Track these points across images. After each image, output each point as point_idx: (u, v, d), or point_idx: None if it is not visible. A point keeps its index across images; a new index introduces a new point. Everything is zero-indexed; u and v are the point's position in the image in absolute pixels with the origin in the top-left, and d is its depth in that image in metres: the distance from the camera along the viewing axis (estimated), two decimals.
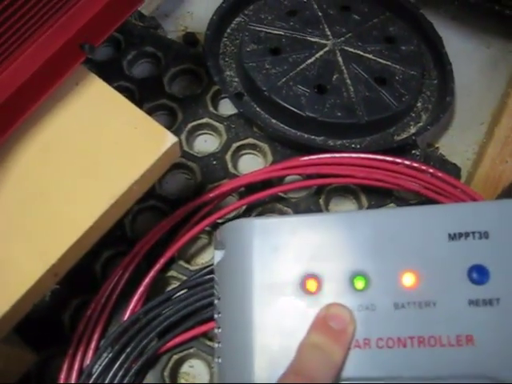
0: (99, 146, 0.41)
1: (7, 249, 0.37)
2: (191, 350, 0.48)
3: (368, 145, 0.59)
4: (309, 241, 0.36)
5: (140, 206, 0.54)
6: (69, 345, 0.45)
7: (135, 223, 0.54)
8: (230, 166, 0.57)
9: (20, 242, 0.37)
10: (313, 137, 0.59)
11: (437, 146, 0.62)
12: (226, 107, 0.62)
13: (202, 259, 0.54)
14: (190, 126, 0.60)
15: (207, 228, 0.52)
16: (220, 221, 0.52)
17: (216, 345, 0.38)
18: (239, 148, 0.59)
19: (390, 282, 0.34)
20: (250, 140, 0.59)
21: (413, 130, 0.61)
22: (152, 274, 0.48)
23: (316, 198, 0.56)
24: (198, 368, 0.49)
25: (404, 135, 0.60)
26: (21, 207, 0.38)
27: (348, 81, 0.60)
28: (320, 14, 0.65)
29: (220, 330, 0.37)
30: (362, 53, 0.62)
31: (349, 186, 0.57)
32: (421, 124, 0.61)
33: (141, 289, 0.48)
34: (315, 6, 0.66)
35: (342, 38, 0.63)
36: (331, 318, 0.34)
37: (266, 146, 0.59)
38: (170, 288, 0.51)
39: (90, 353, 0.46)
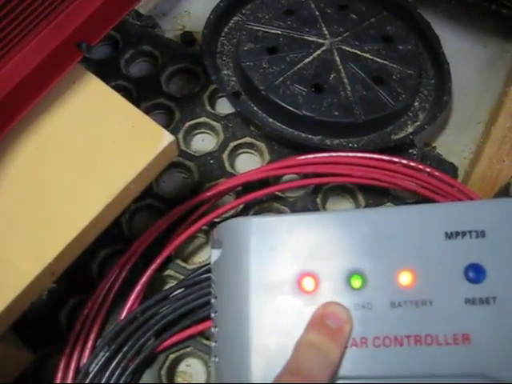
0: (96, 145, 0.41)
1: (4, 247, 0.37)
2: (188, 349, 0.48)
3: (365, 144, 0.59)
4: (306, 240, 0.36)
5: (137, 204, 0.54)
6: (66, 344, 0.45)
7: (132, 222, 0.54)
8: (227, 164, 0.57)
9: (17, 241, 0.37)
10: (310, 136, 0.59)
11: (434, 145, 0.62)
12: (224, 106, 0.62)
13: (199, 258, 0.54)
14: (187, 125, 0.60)
15: (204, 227, 0.52)
16: (217, 220, 0.52)
17: (213, 344, 0.38)
18: (236, 147, 0.59)
19: (386, 280, 0.34)
20: (247, 139, 0.59)
21: (410, 129, 0.61)
22: (149, 272, 0.48)
23: (313, 197, 0.56)
24: (194, 367, 0.49)
25: (401, 134, 0.60)
26: (17, 206, 0.38)
27: (345, 80, 0.60)
28: (317, 13, 0.65)
29: (217, 329, 0.37)
30: (359, 52, 0.62)
31: (346, 185, 0.57)
32: (418, 123, 0.61)
33: (138, 288, 0.48)
34: (312, 5, 0.66)
35: (340, 38, 0.63)
36: (328, 316, 0.34)
37: (263, 145, 0.59)
38: (167, 287, 0.51)
39: (87, 352, 0.46)
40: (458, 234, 0.34)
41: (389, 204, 0.56)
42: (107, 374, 0.44)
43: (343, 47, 0.62)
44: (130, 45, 0.65)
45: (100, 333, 0.47)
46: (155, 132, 0.41)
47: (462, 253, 0.34)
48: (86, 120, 0.42)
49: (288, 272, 0.35)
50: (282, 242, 0.36)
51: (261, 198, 0.54)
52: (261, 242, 0.36)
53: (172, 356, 0.47)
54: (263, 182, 0.54)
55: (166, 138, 0.41)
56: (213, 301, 0.38)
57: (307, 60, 0.61)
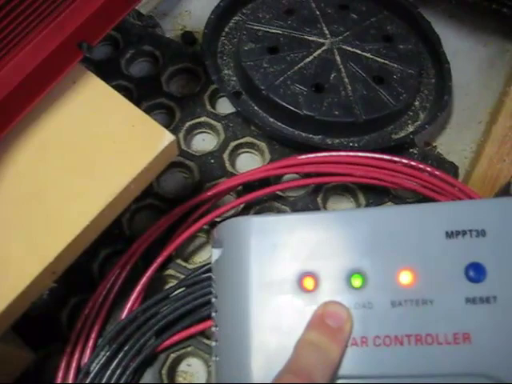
0: (97, 145, 0.41)
1: (5, 247, 0.37)
2: (189, 349, 0.48)
3: (366, 143, 0.59)
4: (306, 239, 0.36)
5: (138, 204, 0.54)
6: (67, 343, 0.45)
7: (133, 222, 0.54)
8: (227, 164, 0.57)
9: (18, 241, 0.37)
10: (310, 135, 0.59)
11: (434, 144, 0.62)
12: (224, 106, 0.62)
13: (200, 258, 0.54)
14: (187, 124, 0.60)
15: (205, 226, 0.52)
16: (218, 219, 0.52)
17: (213, 343, 0.38)
18: (237, 147, 0.59)
19: (387, 280, 0.34)
20: (248, 139, 0.59)
21: (410, 128, 0.61)
22: (150, 272, 0.48)
23: (314, 197, 0.56)
24: (195, 366, 0.49)
25: (402, 134, 0.60)
26: (18, 205, 0.38)
27: (346, 79, 0.60)
28: (318, 12, 0.65)
29: (217, 329, 0.37)
30: (359, 51, 0.62)
31: (347, 184, 0.57)
32: (418, 123, 0.61)
33: (138, 287, 0.48)
34: (313, 5, 0.66)
35: (340, 37, 0.63)
36: (328, 315, 0.34)
37: (263, 145, 0.59)
38: (167, 286, 0.51)
39: (88, 351, 0.46)
40: (458, 233, 0.34)
41: (389, 203, 0.56)
42: (108, 374, 0.44)
43: (344, 47, 0.62)
44: (131, 45, 0.65)
45: (101, 332, 0.47)
46: (156, 131, 0.41)
47: (463, 252, 0.34)
48: (87, 120, 0.42)
49: (288, 271, 0.35)
50: (283, 241, 0.36)
51: (261, 197, 0.54)
52: (261, 242, 0.36)
53: (173, 355, 0.47)
54: (264, 182, 0.54)
55: (167, 137, 0.41)
56: (213, 300, 0.38)
57: (308, 60, 0.61)
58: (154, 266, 0.49)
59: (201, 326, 0.47)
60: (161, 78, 0.63)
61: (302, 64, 0.61)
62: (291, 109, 0.57)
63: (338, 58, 0.61)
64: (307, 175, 0.55)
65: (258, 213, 0.55)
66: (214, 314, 0.38)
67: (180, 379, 0.48)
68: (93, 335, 0.46)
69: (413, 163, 0.52)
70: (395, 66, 0.62)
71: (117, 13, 0.44)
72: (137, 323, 0.46)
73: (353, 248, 0.35)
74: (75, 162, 0.40)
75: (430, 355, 0.33)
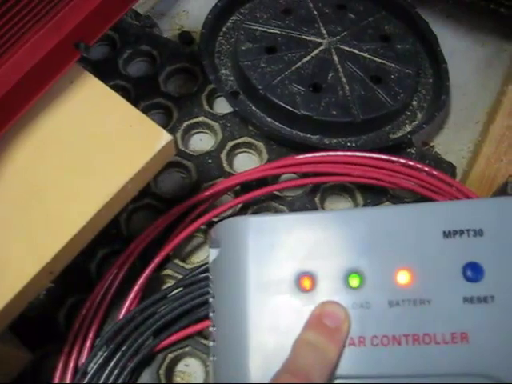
0: (94, 144, 0.40)
1: (2, 247, 0.37)
2: (186, 349, 0.48)
3: (363, 143, 0.59)
4: (304, 239, 0.36)
5: (135, 204, 0.54)
6: (64, 343, 0.45)
7: (130, 222, 0.54)
8: (225, 164, 0.57)
9: (15, 240, 0.37)
10: (308, 135, 0.59)
11: (432, 144, 0.62)
12: (222, 106, 0.62)
13: (198, 258, 0.54)
14: (185, 124, 0.60)
15: (202, 226, 0.52)
16: (215, 219, 0.52)
17: (211, 343, 0.38)
18: (234, 146, 0.59)
19: (384, 279, 0.34)
20: (246, 138, 0.59)
21: (408, 128, 0.61)
22: (147, 272, 0.48)
23: (311, 197, 0.56)
24: (193, 366, 0.49)
25: (399, 134, 0.60)
26: (15, 205, 0.38)
27: (343, 79, 0.60)
28: (315, 12, 0.65)
29: (215, 329, 0.37)
30: (357, 51, 0.62)
31: (344, 184, 0.57)
32: (416, 122, 0.62)
33: (136, 287, 0.48)
34: (310, 5, 0.66)
35: (338, 37, 0.63)
36: (326, 315, 0.34)
37: (261, 145, 0.59)
38: (165, 286, 0.51)
39: (86, 351, 0.46)
40: (456, 232, 0.34)
41: (387, 203, 0.56)
42: (106, 374, 0.44)
43: (341, 46, 0.62)
44: (128, 44, 0.65)
45: (98, 332, 0.47)
46: (153, 131, 0.41)
47: (460, 252, 0.34)
48: (84, 119, 0.41)
49: (286, 271, 0.35)
50: (280, 241, 0.36)
51: (259, 197, 0.54)
52: (259, 242, 0.36)
53: (170, 355, 0.47)
54: (261, 182, 0.54)
55: (164, 137, 0.41)
56: (211, 300, 0.38)
57: (305, 59, 0.61)
58: (152, 265, 0.49)
59: (198, 326, 0.47)
60: (158, 77, 0.63)
61: (299, 64, 0.60)
62: (289, 109, 0.57)
63: (335, 58, 0.61)
64: (305, 175, 0.55)
65: (255, 213, 0.55)
66: (211, 314, 0.38)
67: (178, 379, 0.48)
68: (90, 335, 0.46)
69: (410, 163, 0.52)
70: (393, 65, 0.62)
71: (114, 12, 0.44)
72: (134, 323, 0.46)
73: (350, 248, 0.35)
74: (72, 162, 0.40)
75: (427, 355, 0.33)
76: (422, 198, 0.52)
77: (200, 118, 0.60)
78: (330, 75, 0.60)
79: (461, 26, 0.71)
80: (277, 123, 0.60)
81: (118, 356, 0.45)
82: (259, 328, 0.35)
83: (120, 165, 0.40)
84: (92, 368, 0.44)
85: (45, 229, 0.37)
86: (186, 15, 0.71)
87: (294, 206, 0.55)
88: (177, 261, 0.51)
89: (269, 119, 0.60)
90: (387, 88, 0.60)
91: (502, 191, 0.55)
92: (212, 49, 0.65)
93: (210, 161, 0.57)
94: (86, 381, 0.44)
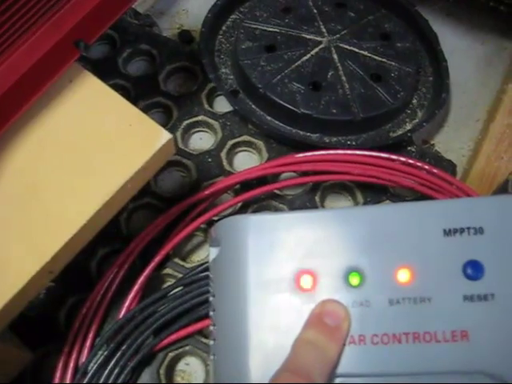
0: (93, 143, 0.40)
1: (2, 246, 0.37)
2: (187, 348, 0.48)
3: (363, 141, 0.59)
4: (304, 237, 0.36)
5: (135, 203, 0.54)
6: (64, 343, 0.45)
7: (130, 221, 0.54)
8: (225, 163, 0.57)
9: (14, 240, 0.37)
10: (308, 134, 0.59)
11: (432, 142, 0.62)
12: (222, 104, 0.62)
13: (198, 257, 0.54)
14: (185, 123, 0.60)
15: (202, 225, 0.52)
16: (215, 218, 0.52)
17: (211, 342, 0.38)
18: (234, 145, 0.59)
19: (385, 278, 0.34)
20: (246, 137, 0.59)
21: (408, 126, 0.61)
22: (147, 271, 0.48)
23: (311, 195, 0.56)
24: (193, 365, 0.49)
25: (399, 132, 0.60)
26: (15, 204, 0.38)
27: (343, 78, 0.60)
28: (315, 11, 0.65)
29: (215, 327, 0.37)
30: (357, 50, 0.62)
31: (344, 182, 0.57)
32: (416, 121, 0.61)
33: (136, 286, 0.48)
34: (310, 3, 0.66)
35: (338, 35, 0.63)
36: (326, 314, 0.34)
37: (261, 143, 0.59)
38: (165, 285, 0.51)
39: (86, 351, 0.46)
40: (456, 231, 0.34)
41: (387, 201, 0.56)
42: (106, 373, 0.44)
43: (341, 45, 0.62)
44: (128, 43, 0.65)
45: (98, 332, 0.47)
46: (153, 130, 0.41)
47: (461, 250, 0.34)
48: (84, 119, 0.41)
49: (286, 270, 0.35)
50: (281, 239, 0.36)
51: (259, 196, 0.54)
52: (259, 240, 0.36)
53: (171, 354, 0.47)
54: (261, 180, 0.54)
55: (164, 136, 0.41)
56: (211, 299, 0.38)
57: (305, 58, 0.61)
58: (152, 264, 0.49)
59: (199, 325, 0.47)
60: (158, 76, 0.62)
61: (299, 62, 0.60)
62: (289, 107, 0.57)
63: (335, 57, 0.61)
64: (305, 173, 0.55)
65: (255, 211, 0.55)
66: (211, 313, 0.38)
67: (178, 378, 0.48)
68: (90, 334, 0.46)
69: (410, 161, 0.52)
70: (393, 64, 0.62)
71: (114, 11, 0.44)
72: (135, 322, 0.46)
73: (351, 246, 0.35)
74: (72, 161, 0.40)
75: (428, 353, 0.33)
76: (423, 197, 0.52)
77: (200, 117, 0.60)
78: (330, 74, 0.60)
79: (461, 24, 0.71)
80: (277, 122, 0.60)
81: (118, 355, 0.45)
82: (259, 327, 0.34)
83: (120, 164, 0.40)
84: (92, 367, 0.44)
85: (44, 228, 0.37)
86: (185, 14, 0.70)
87: (294, 205, 0.55)
88: (177, 260, 0.51)
89: (269, 118, 0.60)
90: (387, 86, 0.60)
91: (502, 189, 0.55)
92: (212, 47, 0.65)
93: (209, 160, 0.57)
94: (86, 380, 0.44)
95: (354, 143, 0.59)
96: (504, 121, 0.61)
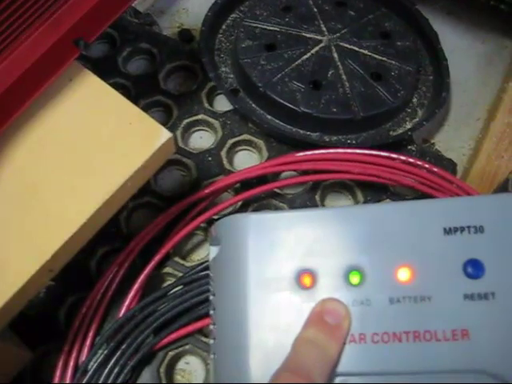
0: (93, 142, 0.40)
1: (1, 245, 0.37)
2: (187, 347, 0.48)
3: (364, 140, 0.59)
4: (304, 236, 0.36)
5: (135, 202, 0.54)
6: (64, 342, 0.45)
7: (130, 220, 0.54)
8: (225, 162, 0.57)
9: (14, 239, 0.37)
10: (308, 132, 0.59)
11: (432, 141, 0.62)
12: (222, 103, 0.62)
13: (198, 255, 0.54)
14: (185, 122, 0.60)
15: (203, 224, 0.52)
16: (215, 217, 0.52)
17: (211, 341, 0.38)
18: (235, 144, 0.59)
19: (385, 276, 0.34)
20: (246, 136, 0.59)
21: (408, 125, 0.61)
22: (147, 270, 0.48)
23: (312, 194, 0.56)
24: (193, 364, 0.49)
25: (400, 131, 0.60)
26: (15, 203, 0.38)
27: (343, 76, 0.60)
28: (315, 9, 0.65)
29: (215, 326, 0.37)
30: (357, 48, 0.62)
31: (344, 181, 0.57)
32: (416, 120, 0.61)
33: (136, 285, 0.48)
34: (310, 2, 0.66)
35: (338, 34, 0.63)
36: (327, 312, 0.34)
37: (261, 142, 0.58)
38: (165, 284, 0.51)
39: (86, 350, 0.46)
40: (456, 229, 0.34)
41: (387, 200, 0.56)
42: (106, 372, 0.44)
43: (341, 44, 0.62)
44: (128, 42, 0.65)
45: (98, 331, 0.47)
46: (153, 129, 0.41)
47: (461, 248, 0.34)
48: (84, 117, 0.41)
49: (286, 268, 0.35)
50: (281, 238, 0.36)
51: (259, 194, 0.54)
52: (259, 239, 0.36)
53: (171, 353, 0.47)
54: (261, 179, 0.54)
55: (164, 134, 0.41)
56: (211, 298, 0.38)
57: (305, 57, 0.61)
58: (152, 263, 0.49)
59: (199, 324, 0.47)
60: (158, 75, 0.62)
61: (299, 61, 0.60)
62: (289, 106, 0.57)
63: (335, 55, 0.61)
64: (305, 172, 0.55)
65: (255, 210, 0.55)
66: (211, 312, 0.38)
67: (178, 377, 0.48)
68: (90, 333, 0.46)
69: (411, 160, 0.52)
70: (393, 62, 0.62)
71: (114, 10, 0.44)
72: (135, 321, 0.46)
73: (351, 245, 0.35)
74: (72, 160, 0.40)
75: (428, 352, 0.33)
76: (423, 195, 0.52)
77: (200, 116, 0.60)
78: (330, 72, 0.60)
79: (461, 22, 0.71)
80: (277, 121, 0.60)
81: (118, 354, 0.45)
82: (259, 325, 0.34)
83: (119, 162, 0.40)
84: (92, 366, 0.44)
85: (44, 227, 0.37)
86: (185, 13, 0.70)
87: (295, 204, 0.55)
88: (177, 259, 0.51)
89: (269, 117, 0.60)
90: (387, 85, 0.60)
91: (502, 188, 0.55)
92: (212, 46, 0.65)
93: (209, 158, 0.57)
94: (86, 379, 0.44)
95: (354, 142, 0.59)
96: (504, 119, 0.61)
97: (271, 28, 0.63)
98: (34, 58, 0.39)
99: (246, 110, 0.59)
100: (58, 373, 0.44)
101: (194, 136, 0.61)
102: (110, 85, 0.43)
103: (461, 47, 0.69)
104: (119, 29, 0.65)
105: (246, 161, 0.59)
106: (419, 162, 0.52)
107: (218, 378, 0.36)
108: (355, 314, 0.34)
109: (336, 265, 0.35)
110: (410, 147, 0.59)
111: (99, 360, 0.44)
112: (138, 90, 0.61)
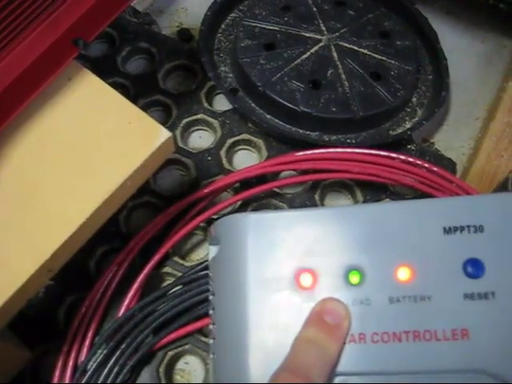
0: (93, 142, 0.40)
1: (1, 244, 0.37)
2: (186, 347, 0.48)
3: (363, 140, 0.59)
4: (303, 236, 0.36)
5: (134, 202, 0.54)
6: (63, 342, 0.45)
7: (130, 219, 0.54)
8: (224, 161, 0.57)
9: (13, 238, 0.37)
10: (308, 132, 0.59)
11: (432, 141, 0.62)
12: (221, 103, 0.62)
13: (197, 255, 0.54)
14: (184, 121, 0.59)
15: (202, 224, 0.52)
16: (215, 217, 0.52)
17: (211, 341, 0.38)
18: (234, 144, 0.59)
19: (385, 276, 0.34)
20: (245, 136, 0.59)
21: (408, 125, 0.61)
22: (147, 270, 0.48)
23: (311, 194, 0.56)
24: (193, 364, 0.49)
25: (399, 130, 0.60)
26: (14, 203, 0.38)
27: (343, 76, 0.60)
28: (315, 9, 0.65)
29: (215, 326, 0.37)
30: (356, 48, 0.62)
31: (344, 181, 0.57)
32: (416, 119, 0.61)
33: (135, 285, 0.48)
34: (310, 2, 0.66)
35: (337, 33, 0.63)
36: (326, 312, 0.34)
37: (260, 142, 0.58)
38: (164, 284, 0.51)
39: (85, 349, 0.45)
40: (456, 228, 0.34)
41: (387, 200, 0.56)
42: (105, 372, 0.44)
43: (341, 43, 0.62)
44: (127, 42, 0.65)
45: (98, 330, 0.47)
46: (152, 128, 0.41)
47: (461, 248, 0.34)
48: (83, 117, 0.41)
49: (286, 268, 0.35)
50: (280, 238, 0.36)
51: (259, 194, 0.54)
52: (258, 239, 0.36)
53: (170, 353, 0.47)
54: (261, 179, 0.54)
55: (163, 134, 0.40)
56: (210, 298, 0.38)
57: (305, 56, 0.61)
58: (151, 263, 0.49)
59: (198, 324, 0.47)
60: (157, 75, 0.62)
61: (298, 60, 0.60)
62: (288, 105, 0.57)
63: (335, 55, 0.61)
64: (304, 172, 0.55)
65: (255, 210, 0.55)
66: (211, 312, 0.38)
67: (178, 377, 0.48)
68: (90, 333, 0.46)
69: (410, 159, 0.52)
70: (392, 62, 0.62)
71: (113, 9, 0.43)
72: (134, 321, 0.46)
73: (350, 244, 0.35)
74: (71, 159, 0.40)
75: (428, 351, 0.33)
76: (422, 195, 0.52)
77: (199, 115, 0.60)
78: (330, 72, 0.60)
79: (460, 22, 0.71)
80: (276, 120, 0.59)
81: (117, 354, 0.45)
82: (259, 325, 0.34)
83: (119, 162, 0.40)
84: (91, 366, 0.44)
85: (43, 226, 0.37)
86: (184, 12, 0.70)
87: (294, 203, 0.55)
88: (176, 258, 0.51)
89: (268, 116, 0.60)
90: (387, 85, 0.60)
91: (502, 187, 0.55)
92: (211, 46, 0.65)
93: (209, 158, 0.57)
94: (85, 379, 0.44)
95: (353, 141, 0.59)
96: (504, 119, 0.61)
97: (270, 27, 0.63)
98: (32, 58, 0.39)
99: (245, 109, 0.59)
100: (57, 373, 0.44)
101: (194, 135, 0.61)
102: (109, 84, 0.43)
103: (460, 47, 0.69)
104: (118, 28, 0.65)
105: (246, 160, 0.59)
106: (419, 162, 0.52)
107: (217, 377, 0.36)
108: (355, 314, 0.34)
109: (336, 264, 0.35)
110: (409, 147, 0.59)
111: (98, 360, 0.44)
112: (138, 90, 0.61)
